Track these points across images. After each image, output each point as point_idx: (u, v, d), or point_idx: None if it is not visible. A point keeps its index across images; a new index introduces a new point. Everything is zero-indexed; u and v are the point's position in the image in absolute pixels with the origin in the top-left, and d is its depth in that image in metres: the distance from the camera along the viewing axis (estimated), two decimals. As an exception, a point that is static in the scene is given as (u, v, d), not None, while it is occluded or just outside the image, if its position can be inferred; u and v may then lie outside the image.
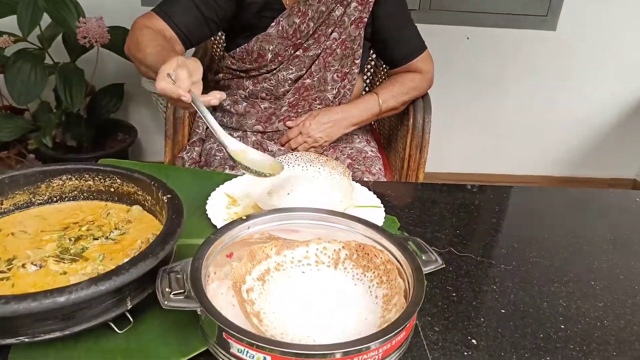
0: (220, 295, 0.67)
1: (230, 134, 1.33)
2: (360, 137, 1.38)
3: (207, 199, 0.96)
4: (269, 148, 1.28)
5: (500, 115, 2.52)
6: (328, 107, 1.26)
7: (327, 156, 1.29)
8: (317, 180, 1.03)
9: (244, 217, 0.74)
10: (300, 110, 1.28)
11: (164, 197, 0.72)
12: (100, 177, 0.79)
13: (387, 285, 0.69)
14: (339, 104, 1.30)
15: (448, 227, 0.98)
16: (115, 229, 0.74)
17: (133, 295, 0.61)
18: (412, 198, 1.08)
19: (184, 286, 0.59)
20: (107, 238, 0.71)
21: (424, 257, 0.70)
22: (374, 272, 0.72)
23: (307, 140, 1.25)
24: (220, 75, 1.36)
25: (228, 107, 1.31)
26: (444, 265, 0.70)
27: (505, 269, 0.86)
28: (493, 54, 2.38)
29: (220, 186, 1.00)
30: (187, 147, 1.32)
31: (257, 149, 1.27)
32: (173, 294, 0.58)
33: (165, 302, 0.57)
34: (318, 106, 1.29)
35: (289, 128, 1.28)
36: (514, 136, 2.57)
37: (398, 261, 0.70)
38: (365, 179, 1.22)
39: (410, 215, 1.01)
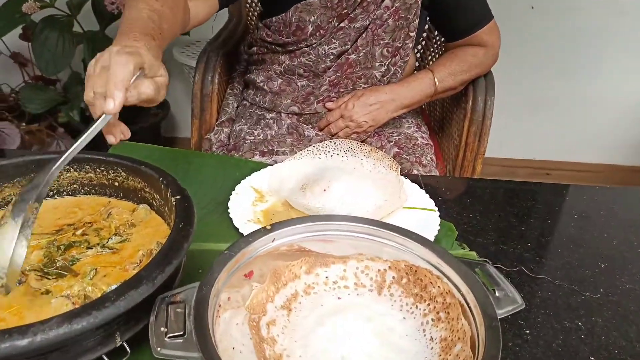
0: (235, 326, 0.53)
1: (262, 115, 1.20)
2: (410, 120, 1.21)
3: (231, 194, 0.82)
4: (305, 133, 1.13)
5: (575, 98, 2.24)
6: (374, 87, 1.10)
7: (370, 144, 1.13)
8: (359, 174, 0.87)
9: (268, 227, 0.59)
10: (342, 90, 1.12)
11: (173, 198, 0.59)
12: (102, 168, 0.67)
13: (447, 325, 0.54)
14: (388, 83, 1.13)
15: (517, 238, 0.81)
16: (116, 234, 0.61)
17: (123, 330, 0.48)
18: (472, 198, 0.91)
19: (184, 325, 0.45)
20: (103, 246, 0.59)
21: (497, 293, 0.54)
22: (428, 305, 0.57)
23: (349, 125, 1.09)
24: (254, 48, 1.21)
25: (262, 84, 1.16)
26: (524, 306, 0.53)
27: (591, 297, 0.69)
28: (564, 26, 2.11)
29: (247, 178, 0.86)
30: (215, 128, 1.19)
31: (291, 133, 1.13)
32: (169, 337, 0.44)
33: (158, 349, 0.43)
34: (363, 85, 1.12)
35: (329, 110, 1.12)
36: (589, 122, 2.29)
37: (462, 294, 0.54)
38: (415, 172, 1.06)
39: (470, 221, 0.84)
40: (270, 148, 1.09)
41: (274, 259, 0.61)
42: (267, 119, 1.16)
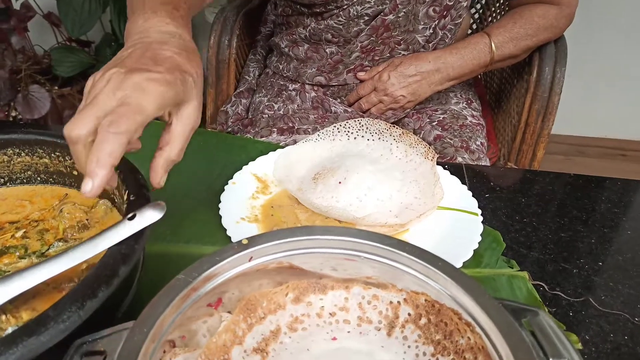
0: (190, 376, 0.40)
1: (285, 85, 1.04)
2: (459, 94, 1.02)
3: (227, 183, 0.69)
4: (331, 108, 0.97)
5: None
6: (416, 54, 0.91)
7: (407, 125, 0.95)
8: (385, 164, 0.71)
9: (245, 241, 0.45)
10: (377, 58, 0.94)
11: (126, 197, 0.46)
12: (57, 153, 0.55)
13: (476, 398, 0.38)
14: (433, 50, 0.94)
15: (585, 255, 0.62)
16: (62, 239, 0.49)
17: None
18: (528, 196, 0.72)
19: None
20: (41, 255, 0.47)
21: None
22: (453, 362, 0.41)
23: (383, 100, 0.91)
24: (279, 9, 1.04)
25: (286, 49, 1.00)
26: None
27: (686, 349, 0.51)
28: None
29: (250, 163, 0.72)
30: (233, 99, 1.05)
31: (316, 108, 0.97)
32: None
33: None
34: (402, 52, 0.93)
35: (361, 82, 0.95)
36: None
37: (499, 356, 0.38)
38: (460, 159, 0.88)
39: (524, 228, 0.66)
40: (290, 125, 0.94)
41: (253, 280, 0.47)
42: (290, 90, 1.01)
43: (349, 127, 0.75)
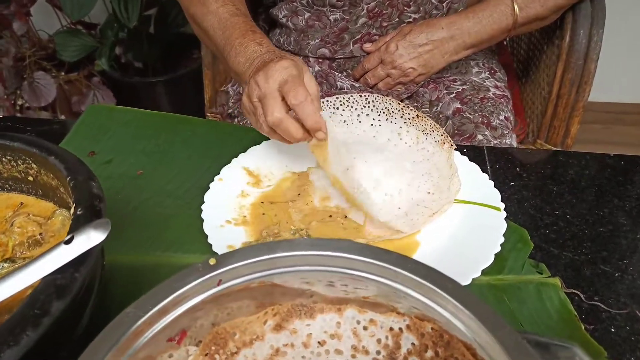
0: None
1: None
2: (481, 63, 0.91)
3: (213, 180, 0.61)
4: (337, 83, 0.87)
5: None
6: (427, 21, 0.80)
7: (422, 97, 0.86)
8: (393, 151, 0.62)
9: (212, 261, 0.38)
10: (385, 24, 0.84)
11: (73, 210, 0.39)
12: (9, 157, 0.48)
13: None
14: (447, 12, 0.82)
15: (630, 255, 0.53)
16: (9, 258, 0.43)
17: None
18: (559, 183, 0.63)
19: None
20: (-17, 280, 0.41)
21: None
22: (465, 410, 0.33)
23: (391, 73, 0.81)
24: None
25: (284, 19, 0.91)
26: None
27: None
28: None
29: (240, 156, 0.64)
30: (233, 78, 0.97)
31: (320, 84, 0.88)
32: None
33: None
34: (412, 16, 0.83)
35: (367, 54, 0.85)
36: None
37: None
38: (480, 137, 0.78)
39: (555, 223, 0.57)
40: (291, 105, 0.85)
41: (229, 303, 0.40)
42: (293, 63, 0.92)
43: (353, 102, 0.66)
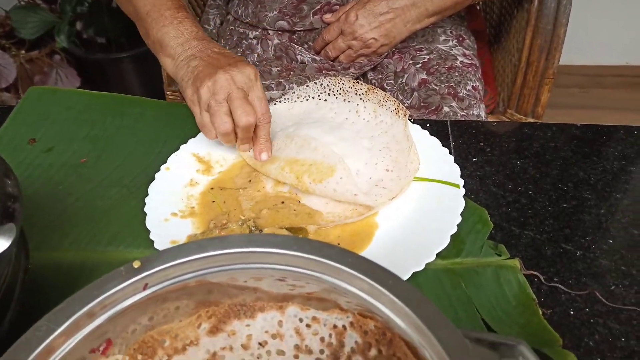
0: None
1: (245, 33, 0.90)
2: (449, 31, 0.87)
3: (159, 169, 0.58)
4: (297, 57, 0.83)
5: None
6: (388, -12, 0.76)
7: (387, 68, 0.82)
8: (350, 129, 0.59)
9: (136, 264, 0.35)
10: (345, -6, 0.79)
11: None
12: None
13: None
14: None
15: (594, 231, 0.51)
16: None
17: None
18: (524, 157, 0.60)
19: None
20: None
21: None
22: (406, 414, 0.31)
23: (352, 45, 0.77)
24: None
25: (241, -9, 0.86)
26: None
27: None
28: None
29: (190, 141, 0.61)
30: (191, 54, 0.92)
31: (280, 58, 0.84)
32: None
33: None
34: (376, -16, 0.78)
35: (328, 25, 0.81)
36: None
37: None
38: (446, 109, 0.75)
39: (517, 200, 0.55)
40: (250, 82, 0.81)
41: (164, 305, 0.37)
42: (250, 38, 0.87)
43: (308, 91, 0.63)
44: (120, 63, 1.67)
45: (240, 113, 0.53)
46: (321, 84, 0.63)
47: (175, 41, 0.59)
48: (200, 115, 0.56)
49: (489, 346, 0.31)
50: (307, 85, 0.63)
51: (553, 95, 1.79)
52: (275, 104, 0.64)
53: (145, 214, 0.52)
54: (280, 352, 0.37)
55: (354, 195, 0.52)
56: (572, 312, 0.44)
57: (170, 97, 0.98)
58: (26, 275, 0.40)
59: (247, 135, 0.55)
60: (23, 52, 1.74)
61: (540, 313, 0.43)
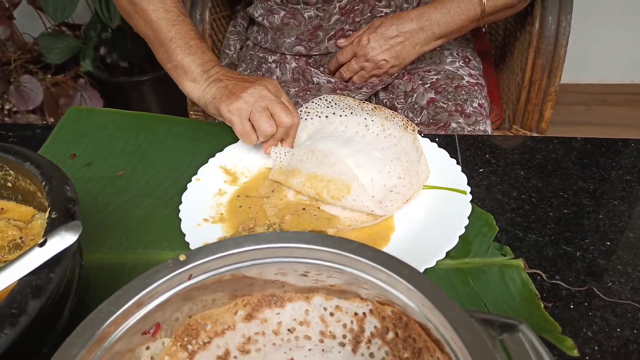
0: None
1: (264, 57, 0.97)
2: (455, 53, 0.93)
3: (191, 180, 0.63)
4: (313, 79, 0.89)
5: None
6: (397, 14, 0.82)
7: (397, 88, 0.87)
8: (361, 142, 0.64)
9: (182, 257, 0.40)
10: (357, 20, 0.85)
11: (48, 214, 0.41)
12: (-14, 165, 0.49)
13: None
14: (417, 5, 0.84)
15: (592, 234, 0.55)
16: (-10, 262, 0.45)
17: None
18: (528, 167, 0.65)
19: None
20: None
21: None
22: (420, 387, 0.35)
23: (364, 66, 0.83)
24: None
25: (260, 18, 0.92)
26: None
27: None
28: None
29: (218, 155, 0.66)
30: (214, 76, 0.98)
31: (297, 80, 0.90)
32: None
33: None
34: (384, 10, 0.84)
35: (342, 49, 0.87)
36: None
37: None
38: (454, 125, 0.80)
39: (522, 206, 0.59)
40: (270, 101, 0.87)
41: (203, 296, 0.42)
42: (269, 62, 0.93)
43: (316, 107, 0.69)
44: (141, 85, 1.75)
45: (285, 115, 0.61)
46: (326, 100, 0.68)
47: (201, 68, 0.66)
48: (241, 124, 0.61)
49: (493, 325, 0.35)
50: (313, 101, 0.68)
51: (559, 112, 1.84)
52: None
53: (178, 220, 0.57)
54: (307, 337, 0.42)
55: (371, 211, 0.57)
56: (572, 306, 0.48)
57: (193, 116, 1.04)
58: (81, 270, 0.45)
59: (292, 131, 0.63)
60: (49, 76, 1.83)
61: (542, 306, 0.47)
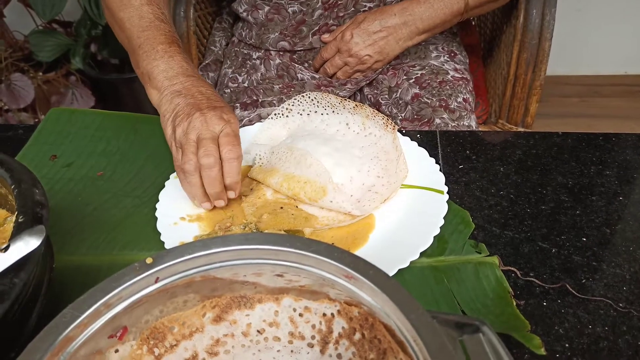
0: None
1: (249, 54, 0.96)
2: (441, 47, 0.92)
3: (169, 178, 0.63)
4: (297, 75, 0.89)
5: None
6: (381, 8, 0.81)
7: (382, 83, 0.87)
8: (342, 141, 0.64)
9: (149, 260, 0.40)
10: (341, 14, 0.85)
11: (15, 218, 0.41)
12: (-40, 169, 0.49)
13: None
14: (400, 0, 0.84)
15: (568, 230, 0.55)
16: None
17: None
18: (507, 164, 0.65)
19: None
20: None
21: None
22: (384, 388, 0.36)
23: (348, 61, 0.83)
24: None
25: (245, 14, 0.92)
26: None
27: (677, 339, 0.44)
28: None
29: (196, 152, 0.66)
30: (200, 73, 0.98)
31: (281, 76, 0.89)
32: None
33: None
34: (367, 5, 0.84)
35: (326, 44, 0.86)
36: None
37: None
38: (438, 120, 0.79)
39: (499, 203, 0.59)
40: (254, 98, 0.87)
41: (173, 299, 0.42)
42: (254, 59, 0.93)
43: (299, 104, 0.68)
44: (132, 82, 1.74)
45: (202, 152, 0.54)
46: (309, 97, 0.67)
47: (163, 75, 0.60)
48: (175, 153, 0.57)
49: (455, 325, 0.35)
50: (296, 99, 0.68)
51: (553, 104, 1.83)
52: (271, 118, 0.69)
53: (156, 220, 0.57)
54: (276, 339, 0.42)
55: (348, 212, 0.57)
56: (544, 304, 0.48)
57: (179, 114, 1.04)
58: (51, 274, 0.45)
59: (212, 172, 0.54)
60: (40, 74, 1.83)
61: (514, 303, 0.47)
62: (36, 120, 1.80)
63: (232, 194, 0.57)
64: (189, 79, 0.60)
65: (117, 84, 1.78)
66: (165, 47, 0.62)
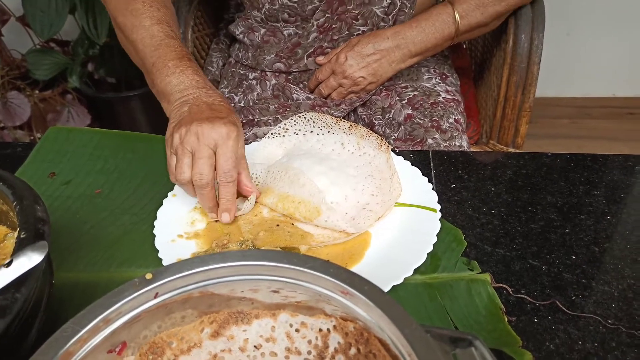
0: None
1: (245, 75, 0.98)
2: (432, 69, 0.95)
3: (167, 196, 0.64)
4: (293, 96, 0.90)
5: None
6: (374, 32, 0.84)
7: (375, 104, 0.89)
8: (337, 160, 0.65)
9: (149, 276, 0.40)
10: (335, 37, 0.87)
11: (17, 234, 0.42)
12: (-38, 185, 0.50)
13: None
14: (394, 24, 0.86)
15: (558, 248, 0.56)
16: (-38, 282, 0.45)
17: None
18: (498, 183, 0.66)
19: None
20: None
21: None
22: (379, 402, 0.36)
23: (342, 83, 0.85)
24: (234, -9, 0.98)
25: (241, 36, 0.94)
26: None
27: (665, 355, 0.45)
28: None
29: (194, 171, 0.67)
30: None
31: (277, 97, 0.91)
32: None
33: None
34: (361, 29, 0.86)
35: (321, 66, 0.88)
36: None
37: (426, 398, 0.33)
38: (430, 141, 0.81)
39: (491, 221, 0.60)
40: (250, 118, 0.88)
41: (171, 314, 0.42)
42: (250, 79, 0.95)
43: (295, 124, 0.70)
44: (129, 101, 1.76)
45: (195, 172, 0.55)
46: (305, 118, 0.69)
47: (175, 89, 0.62)
48: (169, 157, 0.58)
49: (448, 340, 0.36)
50: (292, 119, 0.69)
51: (544, 126, 1.87)
52: (268, 137, 0.71)
53: (154, 237, 0.58)
54: (273, 354, 0.42)
55: (343, 230, 0.58)
56: (535, 320, 0.49)
57: (176, 133, 1.05)
58: (51, 289, 0.46)
59: (203, 192, 0.57)
60: (37, 92, 1.84)
61: (506, 320, 0.48)
62: (32, 138, 1.81)
63: (225, 217, 0.58)
64: (198, 90, 0.62)
65: (113, 103, 1.79)
66: (176, 62, 0.63)
